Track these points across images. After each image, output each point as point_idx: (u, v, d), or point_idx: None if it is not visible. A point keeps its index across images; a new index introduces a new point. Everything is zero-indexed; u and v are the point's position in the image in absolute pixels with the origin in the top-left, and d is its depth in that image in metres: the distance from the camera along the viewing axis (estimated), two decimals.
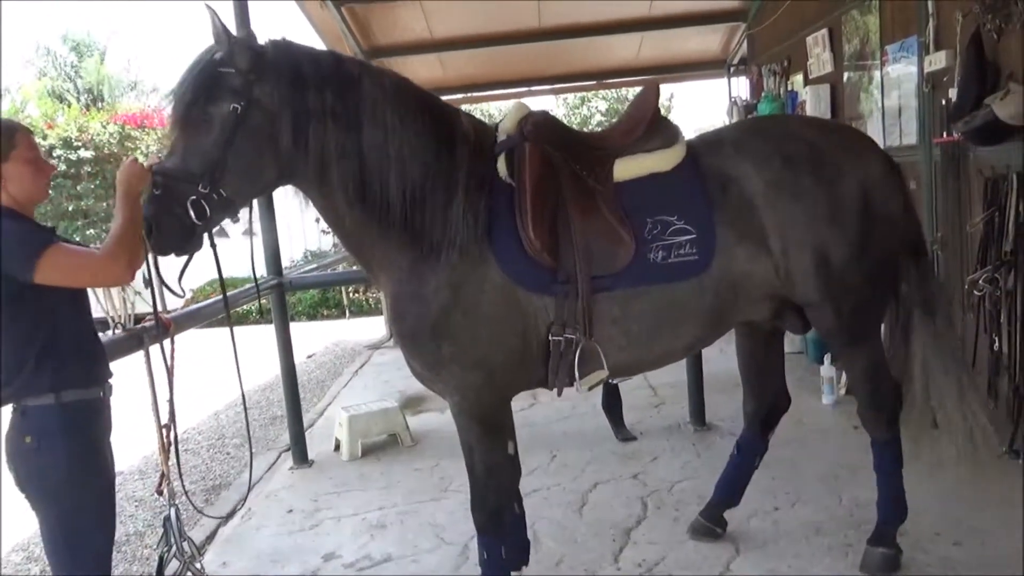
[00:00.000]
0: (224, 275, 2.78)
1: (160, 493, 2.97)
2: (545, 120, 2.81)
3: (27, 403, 2.35)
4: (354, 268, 5.96)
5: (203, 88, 2.41)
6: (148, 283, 2.71)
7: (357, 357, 8.97)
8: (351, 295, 13.52)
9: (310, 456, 5.18)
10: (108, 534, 2.57)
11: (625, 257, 2.65)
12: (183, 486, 3.02)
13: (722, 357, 5.74)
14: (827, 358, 5.30)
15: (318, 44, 7.96)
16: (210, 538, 4.19)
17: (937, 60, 4.43)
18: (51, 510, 2.41)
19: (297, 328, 7.89)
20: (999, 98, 3.69)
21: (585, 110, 20.42)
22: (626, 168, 2.79)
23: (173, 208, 2.41)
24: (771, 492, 3.92)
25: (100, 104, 20.69)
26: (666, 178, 2.79)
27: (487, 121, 3.00)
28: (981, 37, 3.98)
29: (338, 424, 5.31)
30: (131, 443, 6.09)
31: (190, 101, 2.41)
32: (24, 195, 2.38)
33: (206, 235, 2.56)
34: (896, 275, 3.07)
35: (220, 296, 3.04)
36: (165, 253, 2.54)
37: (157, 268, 2.67)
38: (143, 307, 2.90)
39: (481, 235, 2.60)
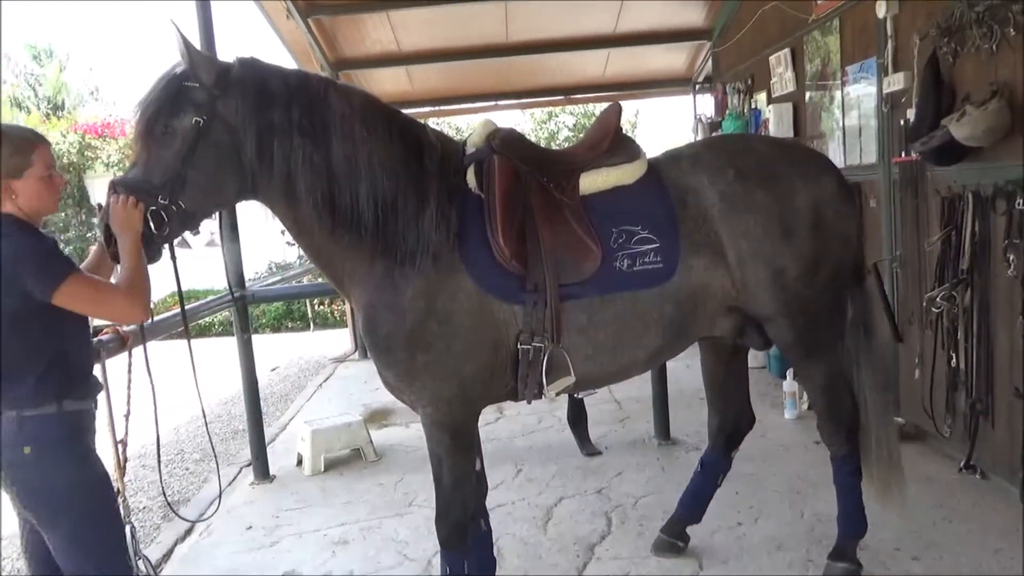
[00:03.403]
0: (184, 287, 2.75)
1: None
2: (513, 135, 2.86)
3: (25, 413, 2.30)
4: (319, 280, 5.91)
5: (167, 101, 2.43)
6: None
7: (321, 370, 8.87)
8: (316, 307, 13.40)
9: (271, 471, 5.10)
10: (120, 536, 2.53)
11: (592, 265, 2.69)
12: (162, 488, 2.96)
13: (687, 372, 5.80)
14: (789, 373, 5.35)
15: (285, 57, 7.94)
16: (167, 556, 4.09)
17: (895, 81, 4.51)
18: (63, 520, 2.36)
19: (261, 340, 7.79)
20: (955, 119, 3.76)
21: (552, 125, 20.51)
22: (592, 181, 2.83)
23: None
24: (734, 507, 3.95)
25: (60, 113, 20.37)
26: (630, 190, 2.85)
27: (454, 135, 3.01)
28: (938, 60, 4.07)
29: (301, 438, 5.24)
30: None
31: (153, 113, 2.42)
32: (33, 209, 2.37)
33: (166, 247, 2.56)
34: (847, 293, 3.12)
35: (179, 309, 3.00)
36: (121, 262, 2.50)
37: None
38: (99, 320, 2.85)
39: (453, 243, 2.62)
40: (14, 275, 2.24)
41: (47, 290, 2.27)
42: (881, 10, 4.58)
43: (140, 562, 2.91)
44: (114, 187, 2.43)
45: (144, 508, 5.03)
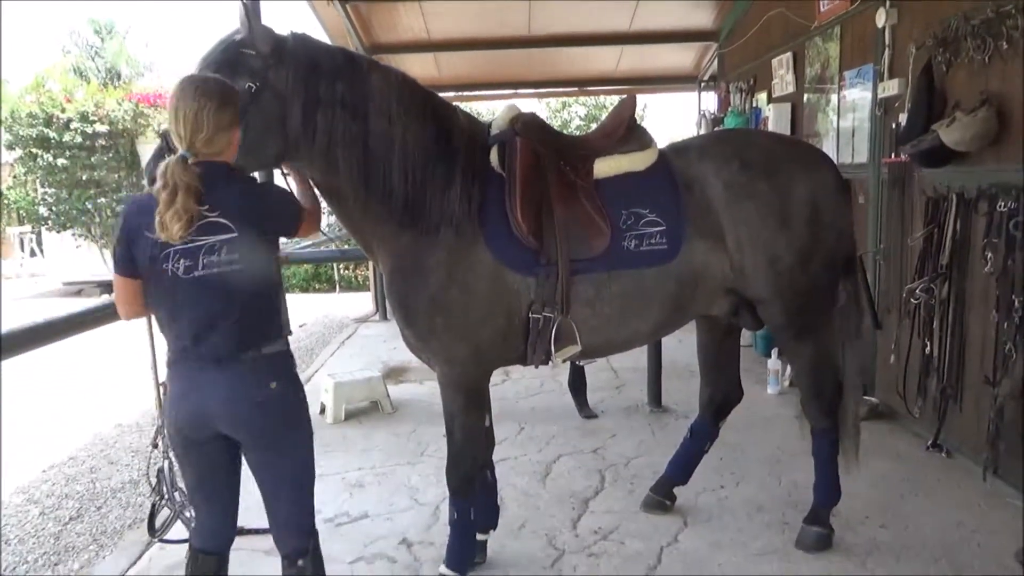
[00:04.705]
0: None
1: (155, 446, 2.91)
2: (535, 120, 2.81)
3: (264, 351, 2.17)
4: (346, 247, 5.86)
5: (224, 64, 2.35)
6: None
7: (345, 329, 8.86)
8: (342, 271, 13.40)
9: None
10: None
11: (602, 243, 2.65)
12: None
13: (680, 347, 5.77)
14: (774, 352, 5.31)
15: (322, 38, 7.81)
16: None
17: (890, 87, 4.42)
18: (303, 449, 2.31)
19: (290, 299, 7.78)
20: (945, 125, 3.68)
21: (566, 114, 20.31)
22: (605, 166, 2.79)
23: None
24: (718, 472, 3.93)
25: (117, 82, 20.24)
26: (640, 176, 2.80)
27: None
28: (932, 68, 3.97)
29: (324, 390, 5.24)
30: (131, 398, 5.98)
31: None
32: (230, 160, 2.23)
33: None
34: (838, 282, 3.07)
35: None
36: None
37: None
38: None
39: (474, 216, 2.59)
40: (273, 214, 2.22)
41: (295, 225, 2.30)
42: (880, 20, 4.47)
43: (176, 494, 2.93)
44: (165, 136, 2.26)
45: None
